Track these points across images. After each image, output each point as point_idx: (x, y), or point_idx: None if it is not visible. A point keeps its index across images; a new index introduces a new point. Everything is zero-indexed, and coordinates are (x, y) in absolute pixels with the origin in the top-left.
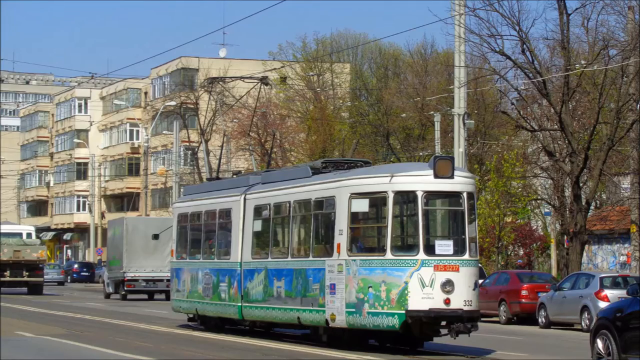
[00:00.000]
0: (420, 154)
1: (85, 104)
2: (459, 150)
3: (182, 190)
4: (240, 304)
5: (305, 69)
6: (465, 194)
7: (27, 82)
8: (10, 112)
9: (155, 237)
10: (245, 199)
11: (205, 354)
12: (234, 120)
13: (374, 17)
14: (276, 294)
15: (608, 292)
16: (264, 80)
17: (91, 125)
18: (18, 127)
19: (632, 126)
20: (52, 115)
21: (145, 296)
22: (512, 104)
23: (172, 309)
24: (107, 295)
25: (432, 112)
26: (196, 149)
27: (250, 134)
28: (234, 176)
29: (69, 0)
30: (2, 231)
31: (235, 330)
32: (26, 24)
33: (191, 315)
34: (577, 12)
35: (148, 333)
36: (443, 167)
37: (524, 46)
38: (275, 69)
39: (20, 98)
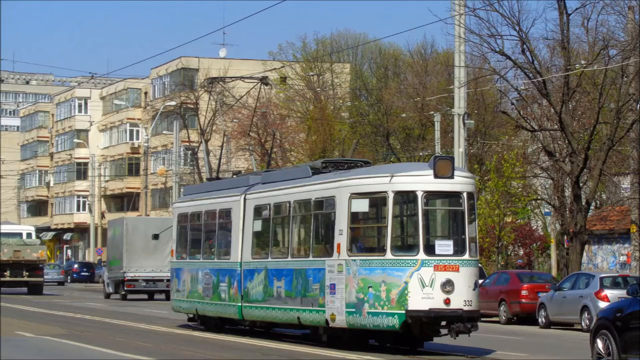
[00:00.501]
0: (420, 154)
1: (85, 104)
2: (459, 150)
3: (182, 190)
4: (240, 304)
5: (305, 69)
6: (465, 194)
7: (27, 82)
8: (10, 112)
9: (155, 237)
10: (245, 199)
11: (205, 354)
12: (234, 120)
13: (374, 17)
14: (276, 294)
15: (608, 292)
16: (264, 80)
17: (91, 125)
18: (18, 127)
19: (632, 126)
20: (52, 115)
21: (145, 296)
22: (512, 104)
23: (172, 309)
24: (107, 295)
25: (432, 112)
26: (196, 149)
27: (250, 134)
28: (234, 176)
29: (69, 0)
30: (2, 231)
31: (235, 330)
32: (26, 24)
33: (191, 315)
34: (577, 12)
35: (148, 333)
36: (443, 167)
37: (524, 46)
38: (275, 69)
39: (20, 98)
